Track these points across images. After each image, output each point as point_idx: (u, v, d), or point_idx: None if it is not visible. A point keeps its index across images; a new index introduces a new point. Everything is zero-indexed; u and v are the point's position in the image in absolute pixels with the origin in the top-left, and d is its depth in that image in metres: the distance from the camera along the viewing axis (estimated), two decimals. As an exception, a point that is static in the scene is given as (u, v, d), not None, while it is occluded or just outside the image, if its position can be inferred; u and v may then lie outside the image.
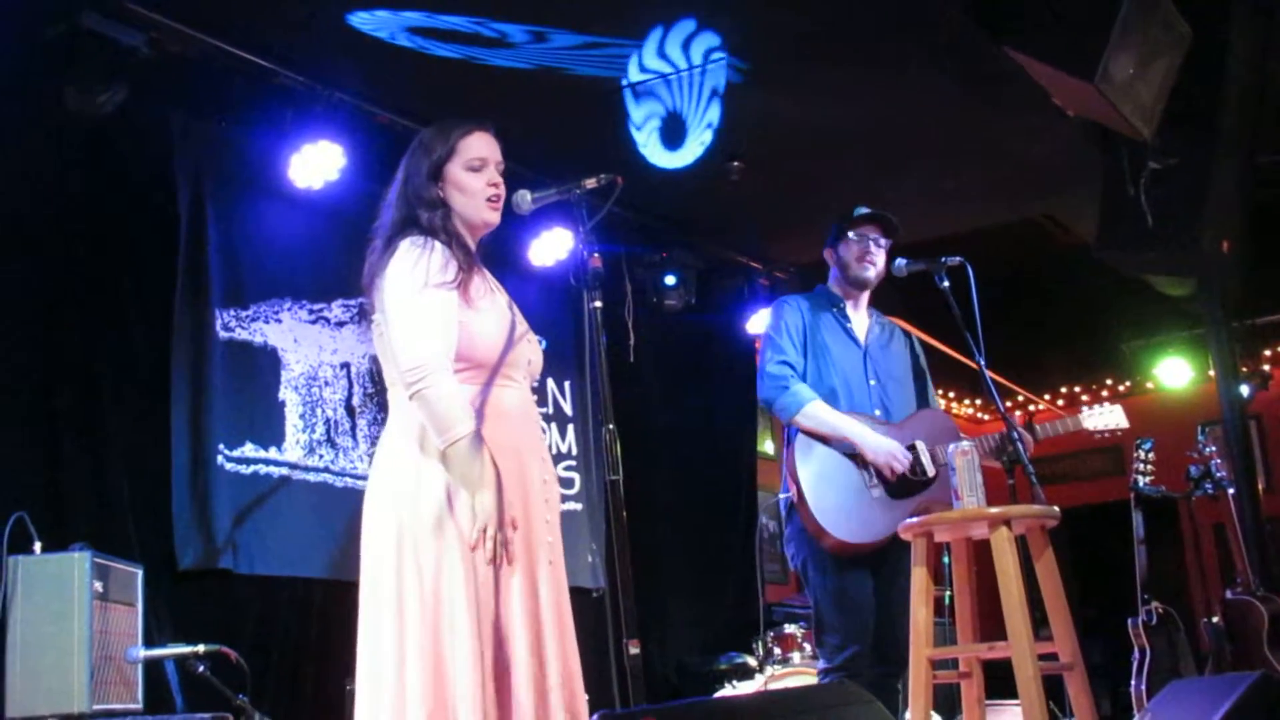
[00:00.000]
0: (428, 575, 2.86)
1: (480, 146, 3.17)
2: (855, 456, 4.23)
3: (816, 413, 4.23)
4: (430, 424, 2.88)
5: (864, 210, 4.48)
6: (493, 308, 3.08)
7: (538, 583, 3.00)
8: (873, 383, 4.41)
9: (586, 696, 3.10)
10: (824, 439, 4.24)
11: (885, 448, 4.20)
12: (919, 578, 3.65)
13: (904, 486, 4.22)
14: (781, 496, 4.32)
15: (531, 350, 3.16)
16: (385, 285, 2.99)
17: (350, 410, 5.64)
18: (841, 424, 4.23)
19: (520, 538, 2.94)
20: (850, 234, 4.45)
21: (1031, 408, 10.47)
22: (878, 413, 4.34)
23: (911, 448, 4.26)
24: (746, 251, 7.85)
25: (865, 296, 4.54)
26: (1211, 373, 7.22)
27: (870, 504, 4.17)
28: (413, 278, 2.94)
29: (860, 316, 4.53)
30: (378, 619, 2.90)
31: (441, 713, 2.79)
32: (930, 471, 4.25)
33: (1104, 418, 4.65)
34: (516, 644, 2.89)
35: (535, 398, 3.23)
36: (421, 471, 2.92)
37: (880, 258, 4.46)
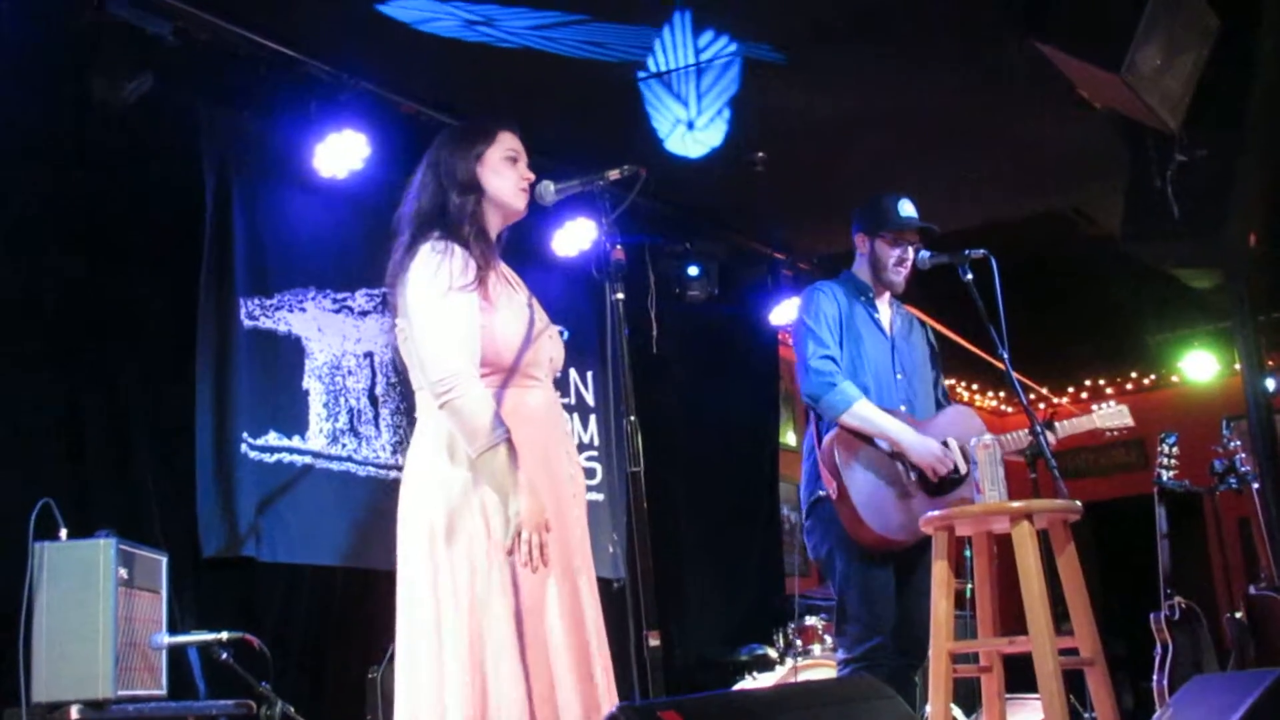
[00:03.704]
0: (463, 583, 2.86)
1: (515, 141, 3.22)
2: (897, 455, 4.21)
3: (862, 412, 4.16)
4: (461, 433, 2.88)
5: (913, 217, 4.44)
6: (510, 305, 3.08)
7: (579, 584, 3.01)
8: (899, 376, 4.39)
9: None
10: (865, 438, 4.19)
11: (929, 450, 4.16)
12: (940, 571, 3.64)
13: (940, 484, 4.21)
14: (821, 492, 4.22)
15: (553, 347, 3.16)
16: (408, 292, 2.99)
17: (373, 399, 5.66)
18: (887, 424, 4.17)
19: (556, 538, 2.95)
20: (891, 235, 4.43)
21: (1056, 400, 10.43)
22: (903, 407, 4.31)
23: (944, 444, 4.24)
24: (770, 242, 7.83)
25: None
26: (1237, 366, 7.18)
27: (910, 502, 4.14)
28: (435, 284, 2.94)
29: (885, 307, 4.51)
30: (416, 627, 2.90)
31: (484, 715, 2.79)
32: (964, 469, 4.22)
33: (1113, 417, 4.62)
34: (559, 650, 2.90)
35: (558, 391, 3.24)
36: (451, 477, 2.92)
37: (910, 264, 4.45)
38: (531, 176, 3.21)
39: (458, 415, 2.87)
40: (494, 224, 3.17)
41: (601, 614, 3.08)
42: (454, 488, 2.92)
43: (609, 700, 2.96)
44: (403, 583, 2.97)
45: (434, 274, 2.95)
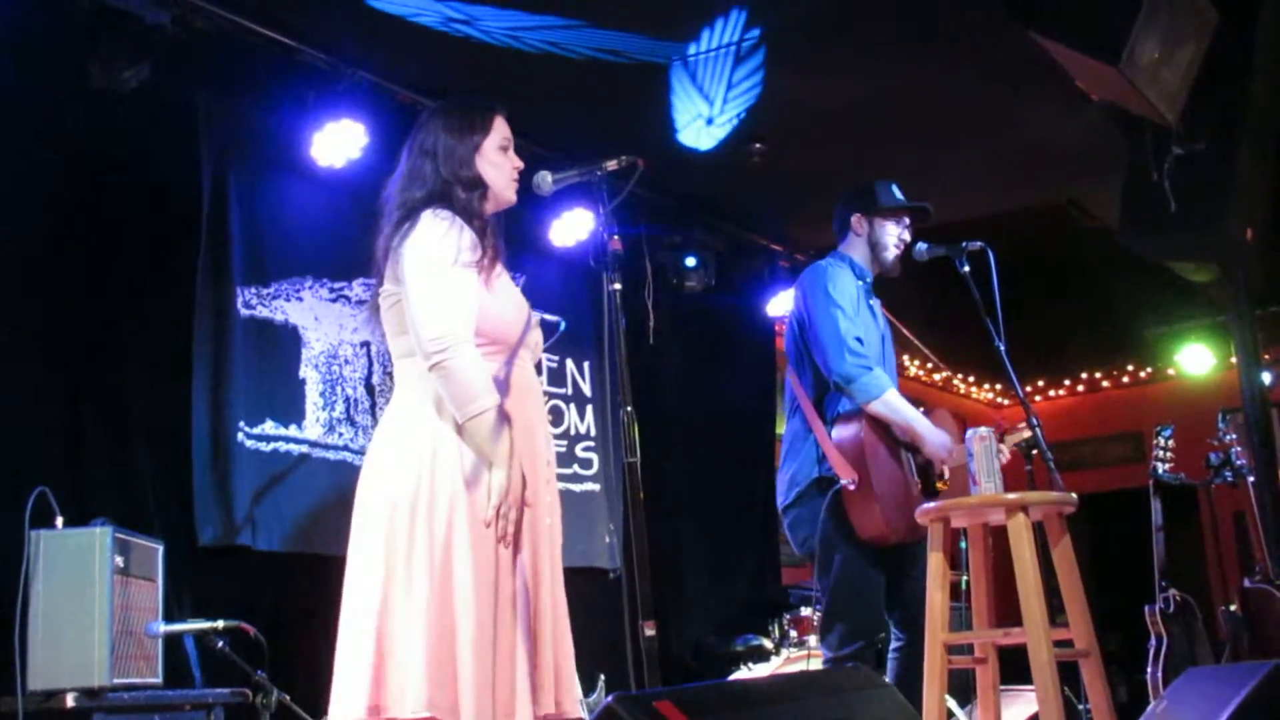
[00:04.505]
0: (439, 542, 2.85)
1: (506, 127, 3.21)
2: (905, 448, 4.19)
3: (893, 401, 4.12)
4: (451, 396, 2.87)
5: (902, 199, 4.45)
6: (507, 288, 3.10)
7: (540, 562, 3.01)
8: (887, 363, 4.40)
9: (597, 679, 3.11)
10: (884, 428, 4.17)
11: (944, 444, 4.15)
12: (935, 562, 3.65)
13: (930, 485, 4.22)
14: (843, 481, 4.11)
15: (538, 332, 3.19)
16: (407, 255, 2.97)
17: (370, 389, 5.66)
18: (911, 416, 4.15)
19: (526, 517, 2.95)
20: (892, 213, 4.43)
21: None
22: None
23: None
24: (767, 233, 7.84)
25: None
26: (1233, 360, 7.18)
27: (913, 499, 4.13)
28: (441, 253, 2.93)
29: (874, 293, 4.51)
30: (380, 580, 2.88)
31: (445, 683, 2.78)
32: (948, 474, 4.25)
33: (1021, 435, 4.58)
34: (517, 622, 2.90)
35: (544, 377, 3.25)
36: (438, 438, 2.92)
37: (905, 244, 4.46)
38: (520, 164, 3.21)
39: (450, 376, 2.86)
40: (489, 214, 3.18)
41: (564, 602, 3.08)
42: (439, 447, 2.91)
43: (549, 683, 2.94)
44: (373, 537, 2.93)
45: (440, 241, 2.94)
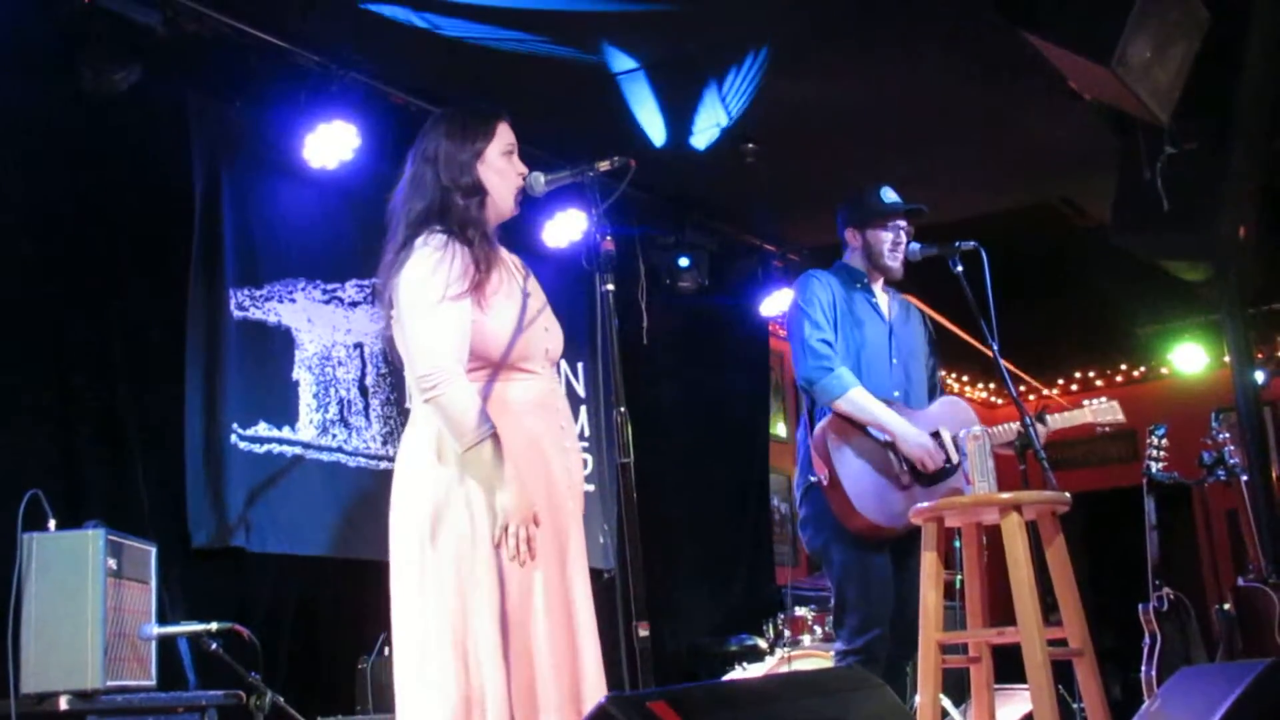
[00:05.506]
0: (448, 582, 2.87)
1: (510, 133, 3.18)
2: (889, 444, 4.21)
3: (857, 399, 4.17)
4: (447, 428, 2.89)
5: (899, 201, 4.46)
6: (507, 301, 3.06)
7: (571, 575, 3.01)
8: (894, 361, 4.41)
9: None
10: (859, 425, 4.20)
11: (920, 442, 4.18)
12: (929, 562, 3.65)
13: (932, 474, 4.22)
14: (812, 479, 4.22)
15: (549, 339, 3.15)
16: (400, 291, 2.97)
17: (363, 390, 5.65)
18: (880, 413, 4.18)
19: (548, 530, 2.95)
20: (882, 223, 4.44)
21: (1047, 392, 10.44)
22: (897, 393, 4.33)
23: (935, 435, 4.25)
24: (760, 233, 7.84)
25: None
26: (1226, 359, 7.19)
27: (901, 491, 4.16)
28: (431, 288, 2.92)
29: (881, 293, 4.52)
30: (404, 615, 2.92)
31: (466, 702, 2.80)
32: (955, 459, 4.24)
33: (1105, 412, 4.61)
34: (542, 642, 2.90)
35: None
36: (439, 476, 2.93)
37: (904, 246, 4.46)
38: (525, 170, 3.19)
39: (443, 410, 2.88)
40: (490, 222, 3.16)
41: (593, 606, 3.08)
42: (441, 486, 2.92)
43: (599, 691, 2.96)
44: (393, 583, 2.98)
45: (429, 276, 2.93)
